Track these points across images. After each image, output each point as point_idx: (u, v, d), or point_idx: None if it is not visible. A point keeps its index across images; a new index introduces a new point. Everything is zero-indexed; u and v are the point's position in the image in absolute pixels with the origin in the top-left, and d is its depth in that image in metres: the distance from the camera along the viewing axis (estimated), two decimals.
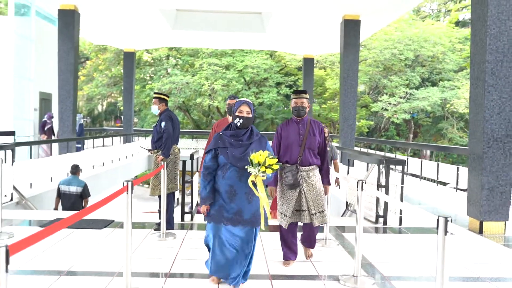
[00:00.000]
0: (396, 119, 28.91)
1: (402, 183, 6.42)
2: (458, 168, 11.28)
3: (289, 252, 4.72)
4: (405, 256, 5.14)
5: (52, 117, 14.47)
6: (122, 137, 19.56)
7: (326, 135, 6.10)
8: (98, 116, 45.06)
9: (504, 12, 5.99)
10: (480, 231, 6.28)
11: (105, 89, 37.50)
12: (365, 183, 4.26)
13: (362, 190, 4.18)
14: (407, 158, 14.39)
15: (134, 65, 21.50)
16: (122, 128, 22.99)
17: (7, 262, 1.81)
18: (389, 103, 28.89)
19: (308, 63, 20.22)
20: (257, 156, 3.66)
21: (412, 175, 13.68)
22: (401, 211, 6.63)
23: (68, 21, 12.75)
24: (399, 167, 7.49)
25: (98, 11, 13.85)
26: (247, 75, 31.77)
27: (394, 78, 29.89)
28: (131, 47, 20.25)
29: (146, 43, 20.70)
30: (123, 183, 3.65)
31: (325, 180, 4.68)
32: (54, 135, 14.27)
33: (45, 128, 14.23)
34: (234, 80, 31.27)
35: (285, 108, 35.00)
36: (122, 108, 39.15)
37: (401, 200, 6.39)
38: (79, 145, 15.22)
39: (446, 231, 2.76)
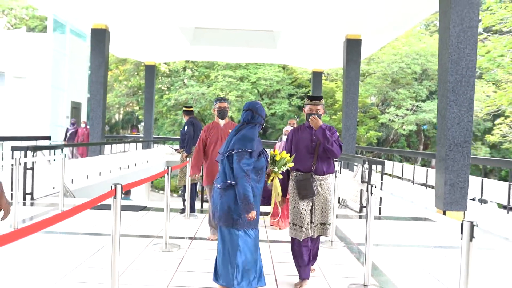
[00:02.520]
0: (403, 130, 30.03)
1: (382, 180, 7.83)
2: (427, 170, 13.02)
3: (306, 270, 4.21)
4: (381, 236, 6.49)
5: (74, 124, 15.95)
6: (141, 144, 21.11)
7: None
8: (115, 124, 46.53)
9: (463, 42, 7.37)
10: None
11: (124, 98, 39.26)
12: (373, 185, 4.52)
13: (371, 195, 4.11)
14: (393, 163, 16.18)
15: (155, 77, 23.08)
16: (141, 136, 24.47)
17: None
18: (396, 115, 30.07)
19: (317, 76, 21.58)
20: (278, 154, 3.99)
21: (398, 177, 15.31)
22: (380, 202, 8.01)
23: (100, 38, 14.35)
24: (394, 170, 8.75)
25: (125, 29, 15.42)
26: (260, 87, 33.30)
27: (402, 90, 31.04)
28: (151, 60, 21.86)
29: (166, 56, 22.28)
30: (111, 186, 3.55)
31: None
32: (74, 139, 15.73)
33: (68, 134, 15.64)
34: (248, 92, 32.77)
35: (297, 119, 36.34)
36: (140, 117, 40.98)
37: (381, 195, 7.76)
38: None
39: (472, 237, 2.57)
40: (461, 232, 2.57)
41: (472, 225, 2.55)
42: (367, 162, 7.85)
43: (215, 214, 3.65)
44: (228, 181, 3.57)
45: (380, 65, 31.12)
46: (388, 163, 16.70)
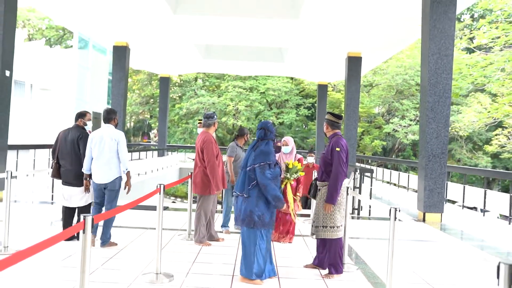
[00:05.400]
0: (407, 140, 31.00)
1: (371, 185, 9.03)
2: (408, 176, 14.53)
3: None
4: (369, 233, 7.64)
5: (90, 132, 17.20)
6: (155, 151, 22.41)
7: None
8: (127, 132, 47.84)
9: (440, 68, 8.57)
10: (424, 220, 8.78)
11: (137, 107, 40.73)
12: (349, 187, 5.20)
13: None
14: (383, 170, 17.76)
15: (169, 88, 24.40)
16: (154, 144, 25.72)
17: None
18: (400, 125, 31.09)
19: (322, 89, 22.76)
20: (291, 163, 5.12)
21: (388, 182, 16.68)
22: (359, 204, 9.21)
23: (121, 55, 15.70)
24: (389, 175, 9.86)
25: (143, 46, 16.77)
26: (268, 97, 34.53)
27: (406, 101, 32.02)
28: (166, 73, 23.21)
29: (180, 69, 23.61)
30: (157, 186, 4.75)
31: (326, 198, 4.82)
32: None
33: None
34: (257, 102, 33.98)
35: (305, 128, 37.54)
36: (153, 125, 42.32)
37: (370, 197, 8.96)
38: None
39: (395, 218, 3.69)
40: (389, 215, 3.72)
41: (395, 210, 3.71)
42: (358, 171, 9.05)
43: (238, 217, 4.59)
44: (245, 195, 4.54)
45: (384, 76, 32.13)
46: (386, 172, 17.87)
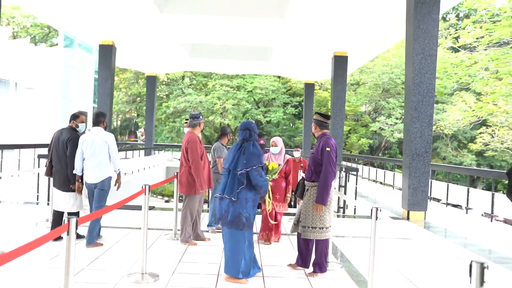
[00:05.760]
0: (393, 138, 31.28)
1: (356, 184, 9.12)
2: (394, 174, 14.66)
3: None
4: (354, 231, 7.73)
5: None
6: (142, 150, 22.32)
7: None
8: (113, 130, 47.64)
9: (424, 68, 8.67)
10: (408, 218, 8.90)
11: (124, 106, 40.51)
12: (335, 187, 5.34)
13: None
14: (369, 168, 17.98)
15: (155, 87, 24.30)
16: (141, 143, 25.60)
17: None
18: (386, 123, 31.36)
19: (309, 88, 22.81)
20: (271, 165, 5.27)
21: (374, 180, 16.94)
22: (345, 203, 9.31)
23: (107, 53, 15.59)
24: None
25: (130, 44, 16.69)
26: (256, 96, 34.58)
27: (392, 100, 32.29)
28: (153, 72, 23.12)
29: (167, 68, 23.54)
30: (142, 186, 4.76)
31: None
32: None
33: None
34: (244, 100, 34.00)
35: (292, 126, 37.68)
36: (140, 124, 42.12)
37: (355, 196, 9.07)
38: None
39: (377, 217, 3.76)
40: (371, 215, 3.79)
41: (377, 210, 3.77)
42: (344, 169, 9.13)
43: (224, 218, 4.58)
44: (229, 198, 4.57)
45: (371, 75, 32.36)
46: (372, 170, 18.03)
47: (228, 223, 4.57)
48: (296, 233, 5.11)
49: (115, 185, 6.12)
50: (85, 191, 6.21)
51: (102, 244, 5.93)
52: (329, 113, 8.59)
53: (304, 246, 5.03)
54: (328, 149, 4.74)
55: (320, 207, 4.73)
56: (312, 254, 5.04)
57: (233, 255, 4.58)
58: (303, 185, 5.04)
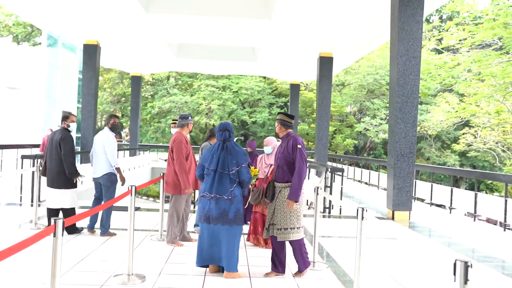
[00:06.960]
0: (377, 138, 31.55)
1: (342, 184, 9.19)
2: (379, 174, 14.96)
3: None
4: (339, 231, 7.78)
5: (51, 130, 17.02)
6: (127, 151, 22.17)
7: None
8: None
9: (408, 69, 8.78)
10: (393, 218, 9.00)
11: (109, 106, 40.16)
12: (319, 186, 5.80)
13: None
14: (354, 169, 18.20)
15: (140, 87, 24.18)
16: (126, 143, 25.41)
17: None
18: (371, 124, 31.62)
19: (295, 88, 22.90)
20: (252, 170, 5.20)
21: (359, 181, 17.04)
22: (330, 203, 9.38)
23: (91, 53, 15.46)
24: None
25: (115, 44, 16.56)
26: (241, 96, 34.58)
27: (376, 101, 32.60)
28: (138, 72, 22.99)
29: (152, 68, 23.41)
30: (128, 187, 4.77)
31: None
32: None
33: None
34: (230, 101, 34.00)
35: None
36: (125, 124, 41.80)
37: (341, 196, 9.14)
38: None
39: (363, 217, 3.82)
40: (357, 215, 3.84)
41: (362, 210, 3.81)
42: (329, 170, 9.19)
43: (224, 217, 4.66)
44: (227, 197, 4.68)
45: (356, 76, 32.63)
46: (357, 170, 18.16)
47: (230, 221, 4.69)
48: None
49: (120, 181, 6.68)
50: (80, 188, 6.86)
51: (115, 234, 6.57)
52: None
53: (279, 250, 4.91)
54: (299, 146, 4.75)
55: (292, 203, 4.68)
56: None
57: (231, 251, 4.70)
58: (274, 187, 4.93)
